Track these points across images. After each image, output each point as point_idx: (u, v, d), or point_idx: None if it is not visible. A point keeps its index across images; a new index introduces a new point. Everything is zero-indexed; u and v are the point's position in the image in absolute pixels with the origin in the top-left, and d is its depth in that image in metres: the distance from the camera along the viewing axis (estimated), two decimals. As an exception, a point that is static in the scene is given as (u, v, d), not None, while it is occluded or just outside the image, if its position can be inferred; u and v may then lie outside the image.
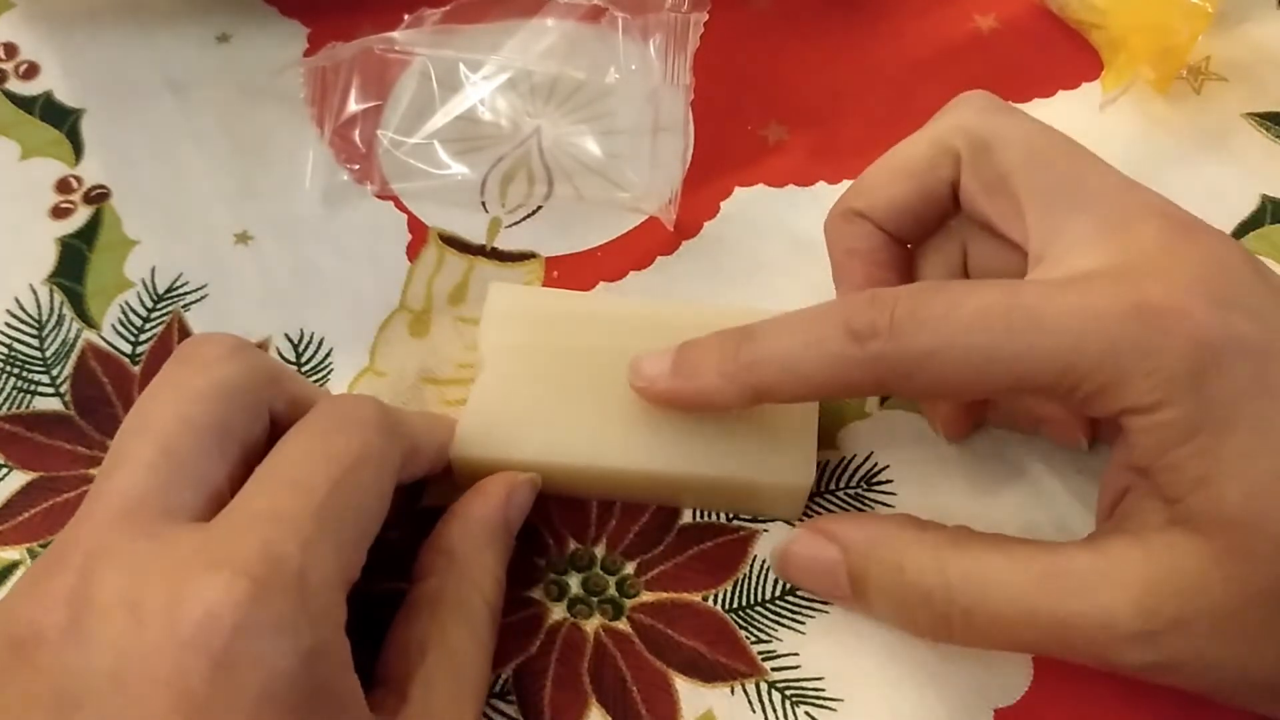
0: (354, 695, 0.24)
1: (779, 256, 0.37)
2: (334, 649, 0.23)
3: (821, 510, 0.32)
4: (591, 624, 0.30)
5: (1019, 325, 0.25)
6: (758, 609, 0.31)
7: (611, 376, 0.31)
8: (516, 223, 0.38)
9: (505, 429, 0.31)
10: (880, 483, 0.33)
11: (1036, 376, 0.25)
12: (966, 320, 0.25)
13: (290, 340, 0.35)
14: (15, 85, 0.41)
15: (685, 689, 0.29)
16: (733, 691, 0.29)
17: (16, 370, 0.34)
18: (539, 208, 0.38)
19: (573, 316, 0.33)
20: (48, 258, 0.37)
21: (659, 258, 0.37)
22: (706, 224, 0.38)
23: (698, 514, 0.32)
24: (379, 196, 0.38)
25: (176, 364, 0.27)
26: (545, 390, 0.31)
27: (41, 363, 0.35)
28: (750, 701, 0.29)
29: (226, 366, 0.26)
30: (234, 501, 0.24)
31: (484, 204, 0.38)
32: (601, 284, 0.36)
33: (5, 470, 0.33)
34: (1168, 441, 0.25)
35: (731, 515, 0.32)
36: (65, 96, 0.41)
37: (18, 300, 0.36)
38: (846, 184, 0.34)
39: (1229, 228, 0.37)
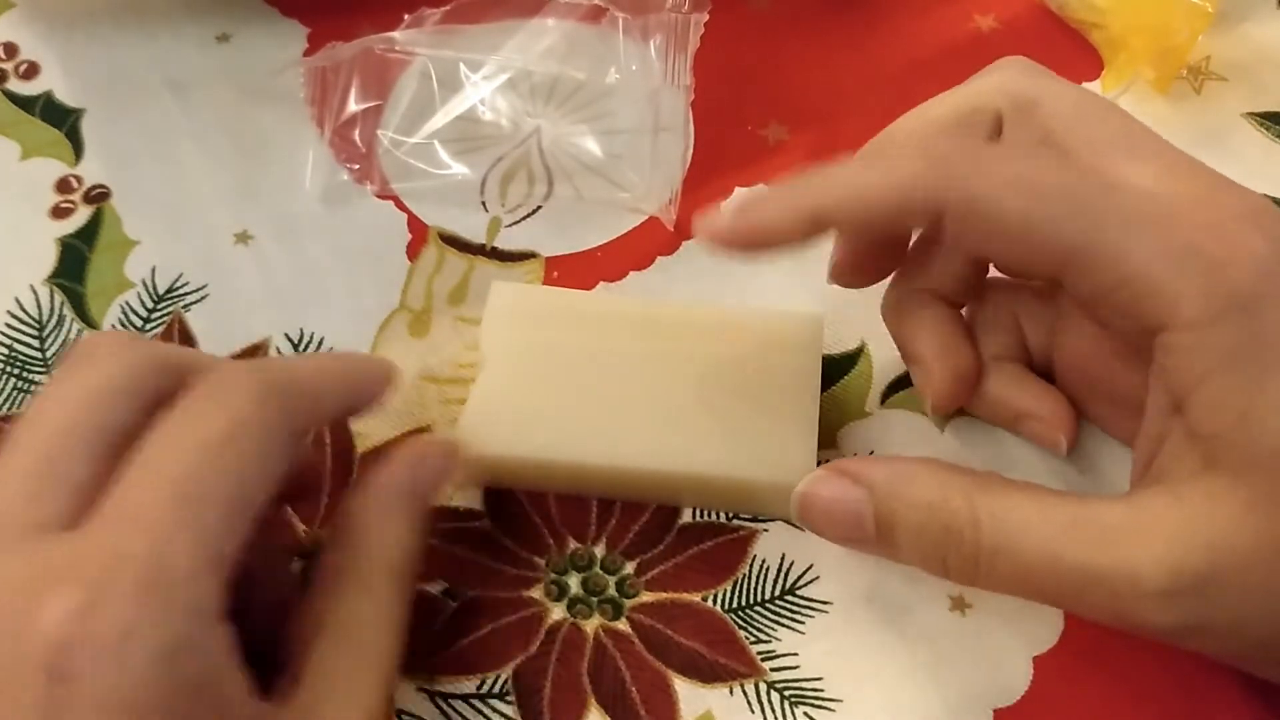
0: (235, 684, 0.23)
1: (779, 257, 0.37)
2: (202, 640, 0.22)
3: (821, 510, 0.32)
4: (591, 624, 0.30)
5: (1081, 200, 0.25)
6: (757, 609, 0.31)
7: (614, 374, 0.31)
8: (516, 222, 0.38)
9: (506, 426, 0.31)
10: (880, 483, 0.32)
11: (1090, 257, 0.25)
12: (1027, 180, 0.25)
13: (290, 340, 0.35)
14: (15, 85, 0.41)
15: (684, 689, 0.29)
16: (732, 692, 0.29)
17: (17, 370, 0.35)
18: (539, 208, 0.38)
19: (575, 315, 0.33)
20: (48, 258, 0.37)
21: (659, 258, 0.37)
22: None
23: (697, 514, 0.32)
24: (379, 196, 0.38)
25: (63, 367, 0.26)
26: (547, 388, 0.31)
27: (42, 363, 0.35)
28: (749, 702, 0.29)
29: (108, 364, 0.25)
30: (98, 503, 0.23)
31: (484, 204, 0.38)
32: (601, 284, 0.36)
33: (5, 470, 0.33)
34: (1211, 365, 0.24)
35: (732, 515, 0.32)
36: (65, 96, 0.41)
37: (18, 300, 0.36)
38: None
39: (1229, 227, 0.37)
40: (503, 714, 0.29)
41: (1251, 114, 0.40)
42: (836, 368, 0.34)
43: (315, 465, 0.33)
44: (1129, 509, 0.25)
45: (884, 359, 0.35)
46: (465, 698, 0.29)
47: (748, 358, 0.32)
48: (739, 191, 0.30)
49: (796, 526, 0.32)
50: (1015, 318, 0.32)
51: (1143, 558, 0.24)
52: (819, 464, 0.32)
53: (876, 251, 0.32)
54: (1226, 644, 0.25)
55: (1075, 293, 0.26)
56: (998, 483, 0.27)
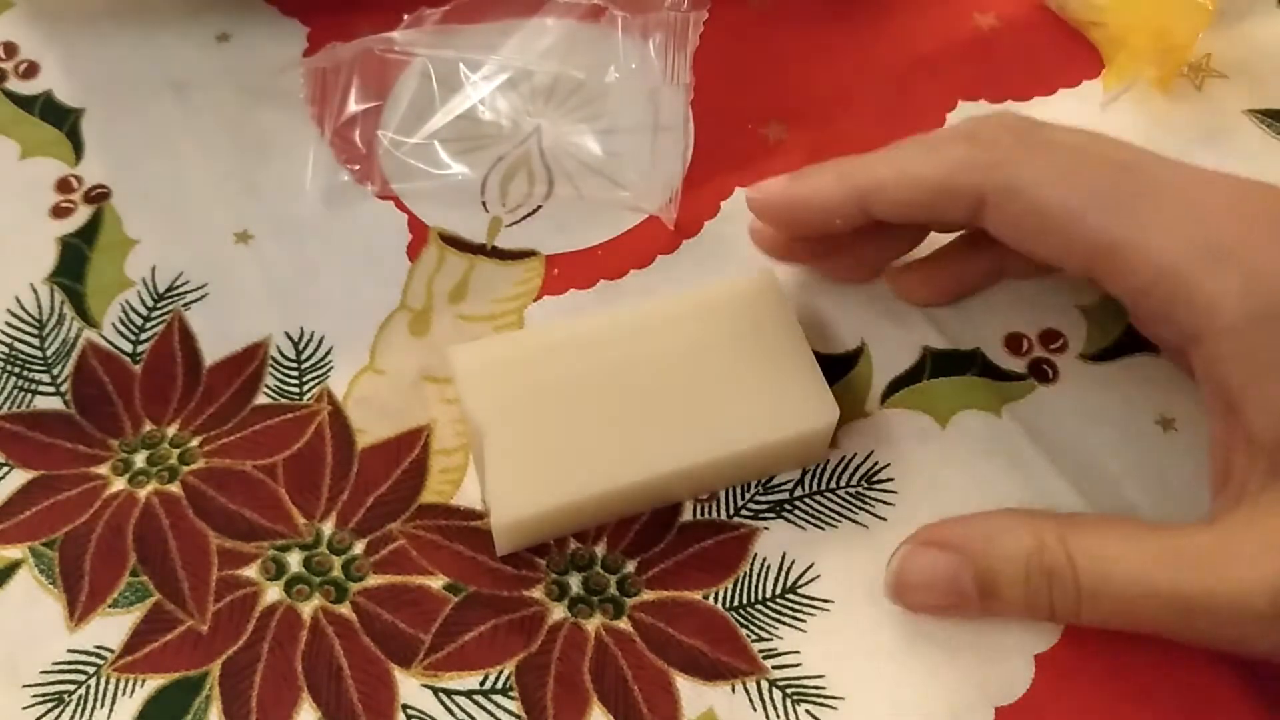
0: None
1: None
2: None
3: (820, 508, 0.32)
4: (593, 623, 0.30)
5: (1121, 195, 0.26)
6: (758, 607, 0.30)
7: (610, 392, 0.31)
8: (516, 221, 0.38)
9: (536, 481, 0.30)
10: (880, 481, 0.32)
11: (1130, 255, 0.26)
12: (1069, 171, 0.27)
13: (290, 339, 0.35)
14: (15, 84, 0.41)
15: (686, 688, 0.29)
16: (734, 690, 0.29)
17: (17, 369, 0.35)
18: (539, 207, 0.38)
19: (543, 351, 0.32)
20: (48, 257, 0.37)
21: (659, 257, 0.37)
22: (707, 223, 0.38)
23: (698, 512, 0.32)
24: (379, 197, 0.38)
25: None
26: (555, 430, 0.31)
27: (42, 362, 0.35)
28: (751, 700, 0.29)
29: None
30: None
31: (484, 203, 0.38)
32: (602, 281, 0.36)
33: (6, 469, 0.33)
34: (1255, 372, 0.24)
35: (733, 512, 0.32)
36: (65, 96, 0.41)
37: (18, 299, 0.36)
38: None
39: (1230, 225, 0.37)
40: (506, 709, 0.29)
41: (1252, 111, 0.40)
42: (837, 367, 0.34)
43: (316, 460, 0.33)
44: (1216, 535, 0.25)
45: (884, 359, 0.35)
46: (469, 693, 0.29)
47: (724, 331, 0.32)
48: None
49: (798, 525, 0.32)
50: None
51: (1243, 581, 0.24)
52: (819, 463, 0.32)
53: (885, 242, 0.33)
54: None
55: (1110, 289, 0.27)
56: (1085, 522, 0.27)
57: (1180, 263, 0.25)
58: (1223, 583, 0.24)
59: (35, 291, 0.36)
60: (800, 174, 0.30)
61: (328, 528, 0.32)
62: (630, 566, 0.31)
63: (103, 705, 0.29)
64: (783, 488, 0.32)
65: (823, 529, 0.32)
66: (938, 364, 0.35)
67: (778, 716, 0.29)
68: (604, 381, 0.31)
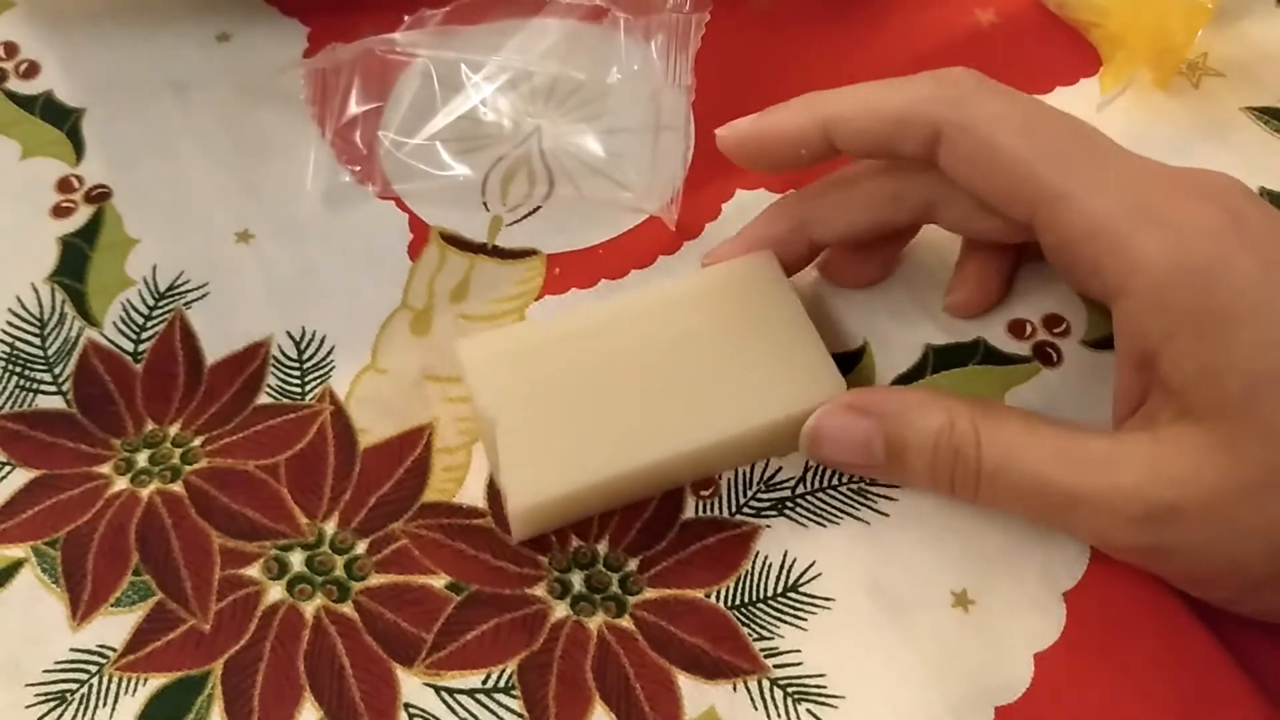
0: None
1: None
2: None
3: (822, 506, 0.32)
4: (595, 621, 0.30)
5: (1067, 149, 0.28)
6: (760, 606, 0.31)
7: (618, 378, 0.31)
8: (517, 221, 0.38)
9: (550, 468, 0.30)
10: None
11: (1069, 206, 0.27)
12: (1022, 118, 0.29)
13: (292, 338, 0.35)
14: (16, 84, 0.41)
15: (688, 686, 0.29)
16: (735, 689, 0.29)
17: (19, 369, 0.35)
18: (538, 207, 0.38)
19: (549, 341, 0.32)
20: (49, 256, 0.37)
21: (660, 257, 0.37)
22: (708, 224, 0.38)
23: (700, 509, 0.32)
24: (380, 197, 0.38)
25: None
26: (566, 417, 0.31)
27: (43, 361, 0.35)
28: (752, 699, 0.29)
29: None
30: None
31: (485, 203, 0.38)
32: (603, 281, 0.36)
33: (8, 468, 0.33)
34: (1173, 326, 0.26)
35: (735, 510, 0.32)
36: (66, 96, 0.41)
37: (19, 299, 0.36)
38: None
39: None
40: (509, 708, 0.29)
41: (1250, 109, 0.40)
42: (839, 368, 0.34)
43: (318, 460, 0.33)
44: (1112, 443, 0.28)
45: (887, 358, 0.35)
46: (471, 692, 0.29)
47: (728, 312, 0.32)
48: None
49: (799, 523, 0.32)
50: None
51: (1121, 484, 0.27)
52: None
53: (870, 248, 0.35)
54: (1185, 568, 0.28)
55: (1044, 239, 0.29)
56: (998, 408, 0.30)
57: (1112, 219, 0.27)
58: (1105, 488, 0.27)
59: (36, 291, 0.36)
60: (768, 110, 0.32)
61: (330, 527, 0.32)
62: (632, 564, 0.31)
63: (105, 704, 0.29)
64: (784, 485, 0.32)
65: (824, 526, 0.32)
66: (940, 359, 0.35)
67: (778, 715, 0.29)
68: (612, 367, 0.31)
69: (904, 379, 0.34)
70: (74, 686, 0.29)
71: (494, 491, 0.32)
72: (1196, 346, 0.26)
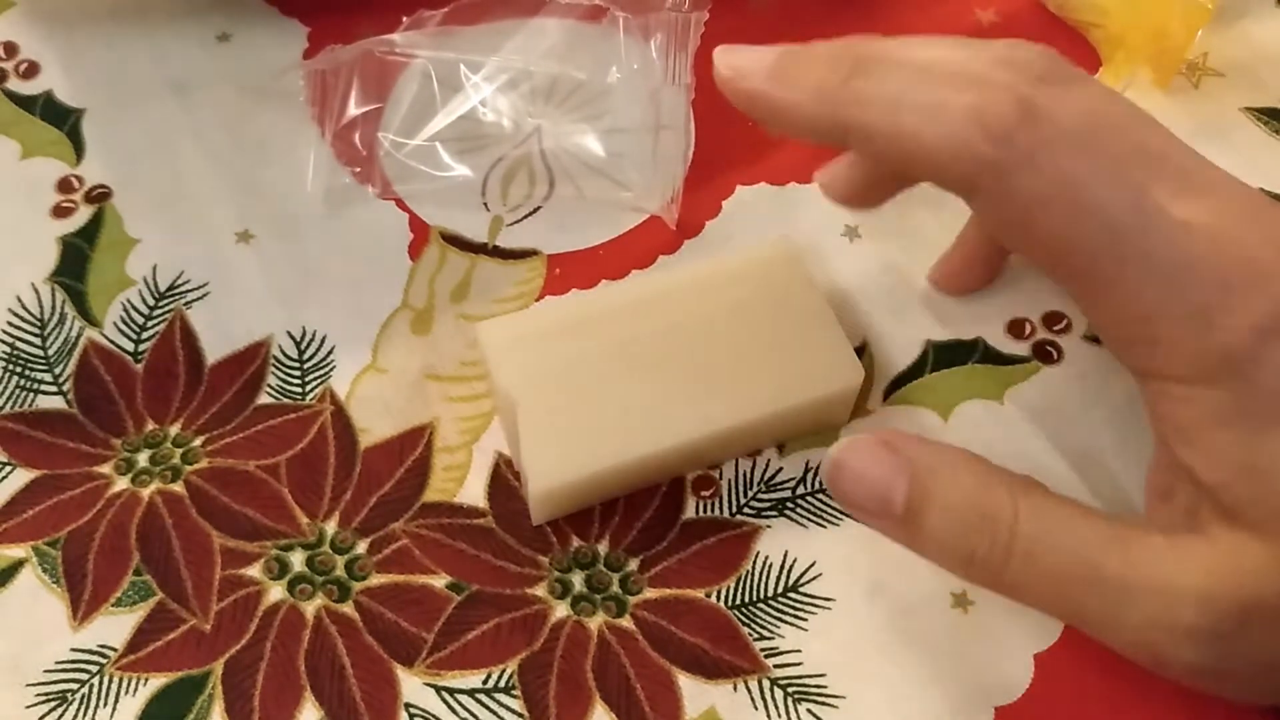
0: None
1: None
2: None
3: (822, 507, 0.32)
4: (595, 621, 0.30)
5: (1114, 230, 0.24)
6: (760, 605, 0.31)
7: (637, 361, 0.31)
8: (518, 221, 0.38)
9: (570, 450, 0.30)
10: (882, 479, 0.33)
11: (1106, 291, 0.24)
12: (1092, 198, 0.24)
13: (292, 338, 0.35)
14: (16, 84, 0.41)
15: (688, 686, 0.29)
16: (735, 689, 0.29)
17: (19, 369, 0.35)
18: (538, 207, 0.38)
19: (569, 323, 0.32)
20: (49, 256, 0.37)
21: (661, 256, 0.37)
22: (709, 223, 0.38)
23: (700, 509, 0.32)
24: (381, 198, 0.38)
25: None
26: (586, 399, 0.31)
27: (44, 361, 0.35)
28: (753, 698, 0.29)
29: None
30: None
31: (485, 204, 0.38)
32: (604, 281, 0.36)
33: (9, 468, 0.33)
34: (1204, 419, 0.24)
35: (735, 510, 0.32)
36: (66, 96, 0.41)
37: (19, 299, 0.36)
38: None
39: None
40: (509, 708, 0.29)
41: (1249, 109, 0.40)
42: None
43: (319, 460, 0.33)
44: (1168, 540, 0.24)
45: (886, 356, 0.35)
46: (471, 692, 0.29)
47: (747, 297, 0.33)
48: (783, 50, 0.27)
49: (800, 523, 0.32)
50: None
51: (1184, 586, 0.24)
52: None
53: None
54: (1243, 687, 0.25)
55: (1078, 303, 0.26)
56: (1038, 487, 0.26)
57: (1150, 311, 0.24)
58: (1166, 583, 0.24)
59: (37, 291, 0.36)
60: (782, 69, 0.27)
61: (331, 527, 0.32)
62: (633, 564, 0.31)
63: (106, 704, 0.29)
64: (785, 485, 0.32)
65: (825, 527, 0.32)
66: (940, 356, 0.35)
67: (779, 715, 0.29)
68: (632, 349, 0.32)
69: (904, 377, 0.34)
70: (75, 686, 0.29)
71: (495, 491, 0.32)
72: (1231, 443, 0.24)
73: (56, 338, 0.35)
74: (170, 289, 0.36)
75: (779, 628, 0.30)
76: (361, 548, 0.31)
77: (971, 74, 0.25)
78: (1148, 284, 0.24)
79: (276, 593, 0.31)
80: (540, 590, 0.31)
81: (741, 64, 0.27)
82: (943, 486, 0.26)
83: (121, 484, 0.32)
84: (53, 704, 0.29)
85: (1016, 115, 0.24)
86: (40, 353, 0.35)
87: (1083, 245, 0.24)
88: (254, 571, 0.31)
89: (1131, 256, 0.24)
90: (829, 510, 0.32)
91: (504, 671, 0.30)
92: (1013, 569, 0.25)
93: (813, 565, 0.31)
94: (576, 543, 0.32)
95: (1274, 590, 0.23)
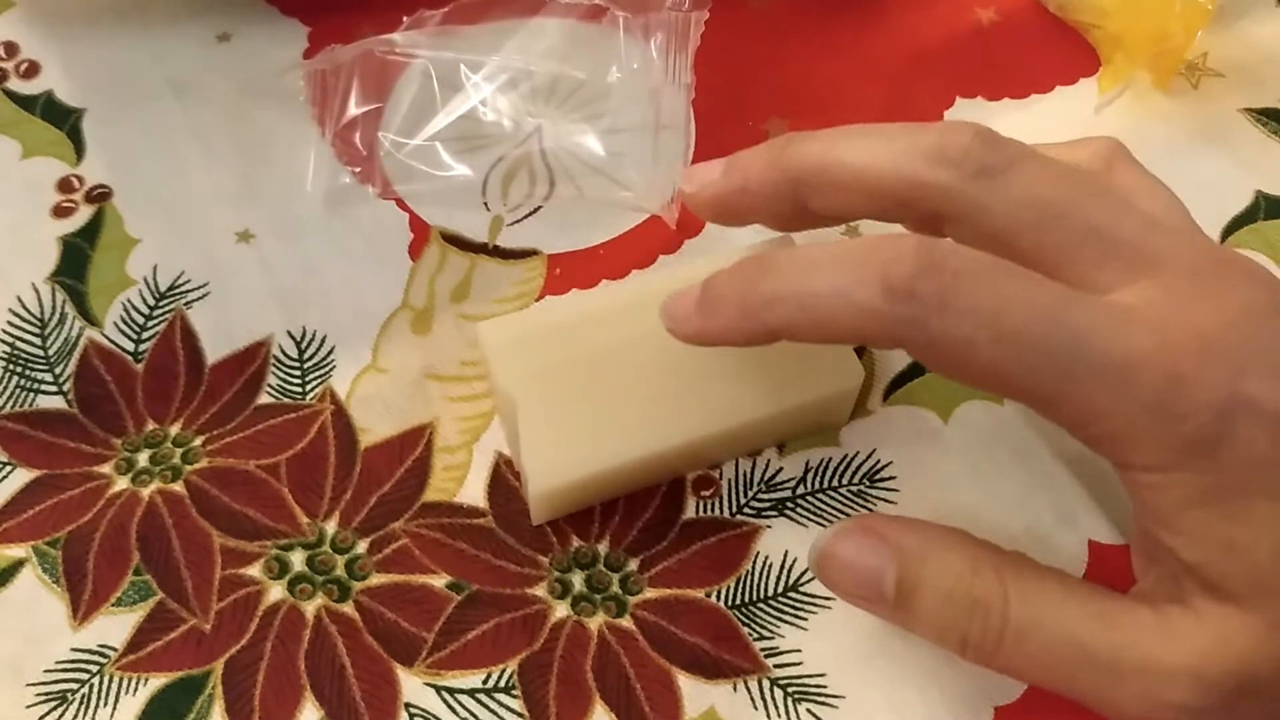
0: None
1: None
2: None
3: (823, 506, 0.32)
4: (595, 621, 0.30)
5: (1051, 349, 0.23)
6: (760, 605, 0.31)
7: (638, 361, 0.31)
8: (518, 220, 0.38)
9: (570, 450, 0.30)
10: (883, 480, 0.33)
11: (1057, 404, 0.24)
12: (1012, 325, 0.23)
13: (293, 337, 0.35)
14: (16, 84, 0.41)
15: (688, 686, 0.29)
16: (735, 688, 0.29)
17: (19, 369, 0.35)
18: (539, 207, 0.38)
19: (569, 322, 0.32)
20: (49, 256, 0.37)
21: (661, 256, 0.37)
22: (709, 223, 0.38)
23: (700, 510, 0.32)
24: (381, 198, 0.38)
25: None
26: (586, 398, 0.31)
27: (44, 361, 0.35)
28: (753, 698, 0.29)
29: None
30: None
31: (485, 203, 0.38)
32: (604, 281, 0.36)
33: (9, 468, 0.33)
34: (1178, 501, 0.24)
35: (735, 510, 0.32)
36: (66, 96, 0.41)
37: (20, 299, 0.36)
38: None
39: (1222, 222, 0.38)
40: (509, 708, 0.29)
41: (1248, 110, 0.40)
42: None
43: (319, 459, 0.33)
44: (1155, 616, 0.25)
45: (886, 356, 0.35)
46: (471, 692, 0.29)
47: None
48: (704, 280, 0.27)
49: (800, 523, 0.32)
50: None
51: (1173, 665, 0.24)
52: (820, 463, 0.32)
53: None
54: None
55: (1039, 412, 0.26)
56: (1027, 564, 0.26)
57: (1105, 414, 0.24)
58: (1156, 661, 0.24)
59: (37, 291, 0.36)
60: (706, 301, 0.27)
61: (331, 527, 0.32)
62: (633, 564, 0.31)
63: (106, 704, 0.29)
64: (785, 485, 0.32)
65: (825, 526, 0.32)
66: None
67: (779, 715, 0.29)
68: (632, 349, 0.31)
69: (904, 377, 0.34)
70: (75, 686, 0.29)
71: (495, 491, 0.32)
72: (1210, 522, 0.24)
73: (57, 337, 0.35)
74: (170, 289, 0.36)
75: (779, 628, 0.30)
76: (361, 547, 0.31)
77: (861, 245, 0.25)
78: (1097, 391, 0.23)
79: (276, 592, 0.31)
80: (540, 590, 0.31)
81: (675, 312, 0.28)
82: (932, 573, 0.26)
83: (122, 484, 0.32)
84: (53, 704, 0.29)
85: (914, 268, 0.24)
86: (40, 352, 0.35)
87: (1018, 374, 0.24)
88: (254, 571, 0.31)
89: (1074, 372, 0.23)
90: (829, 510, 0.32)
91: (504, 671, 0.30)
92: (1005, 653, 0.25)
93: (813, 565, 0.31)
94: (576, 543, 0.32)
95: (1262, 665, 0.23)
